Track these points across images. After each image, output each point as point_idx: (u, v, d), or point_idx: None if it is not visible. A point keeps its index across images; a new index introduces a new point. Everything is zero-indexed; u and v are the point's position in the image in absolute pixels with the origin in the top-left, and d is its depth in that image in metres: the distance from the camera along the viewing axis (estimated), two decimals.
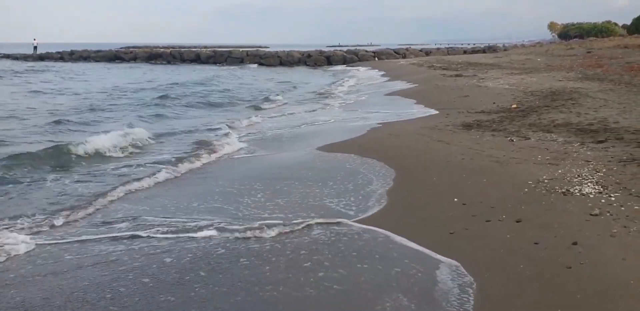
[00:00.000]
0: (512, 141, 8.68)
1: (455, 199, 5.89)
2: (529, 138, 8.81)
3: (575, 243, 4.52)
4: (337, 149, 8.92)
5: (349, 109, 15.33)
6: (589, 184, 6.00)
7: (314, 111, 15.95)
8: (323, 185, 6.87)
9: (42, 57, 61.62)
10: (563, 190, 5.84)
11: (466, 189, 6.24)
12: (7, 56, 63.94)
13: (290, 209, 5.96)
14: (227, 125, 12.86)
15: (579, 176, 6.35)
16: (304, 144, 9.86)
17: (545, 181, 6.22)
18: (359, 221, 5.54)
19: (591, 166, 6.78)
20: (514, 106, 12.71)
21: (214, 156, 9.13)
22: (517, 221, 5.12)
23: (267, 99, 19.97)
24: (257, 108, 17.53)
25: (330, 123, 12.72)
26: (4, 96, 20.82)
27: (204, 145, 10.00)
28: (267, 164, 8.45)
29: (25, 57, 61.78)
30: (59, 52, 63.27)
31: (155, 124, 13.72)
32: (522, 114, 11.35)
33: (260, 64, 50.67)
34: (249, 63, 51.13)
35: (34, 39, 67.37)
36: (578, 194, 5.70)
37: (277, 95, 21.49)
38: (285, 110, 16.77)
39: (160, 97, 19.90)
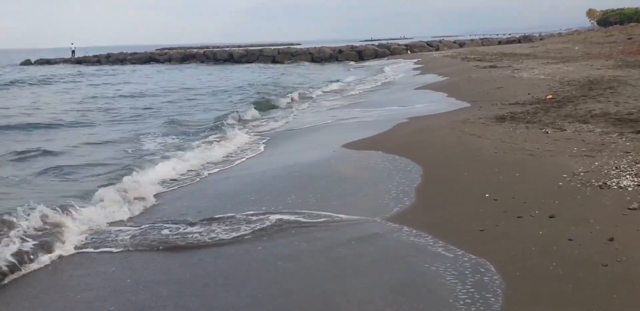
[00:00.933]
0: (547, 133, 8.39)
1: (487, 195, 5.71)
2: (565, 130, 8.50)
3: (611, 239, 4.31)
4: (362, 146, 8.77)
5: (373, 105, 15.12)
6: (628, 176, 5.73)
7: (343, 106, 15.84)
8: (349, 182, 6.78)
9: (79, 61, 62.55)
10: (599, 183, 5.59)
11: (498, 184, 6.04)
12: (48, 61, 64.22)
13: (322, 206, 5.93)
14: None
15: (616, 168, 6.07)
16: (331, 141, 9.76)
17: (581, 174, 5.98)
18: (386, 219, 5.43)
19: (630, 157, 6.48)
20: (550, 96, 12.32)
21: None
22: (551, 217, 4.92)
23: (302, 96, 20.06)
24: (289, 106, 17.50)
25: (355, 119, 12.56)
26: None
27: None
28: (294, 161, 8.41)
29: (64, 61, 62.94)
30: (95, 56, 64.14)
31: None
32: (557, 105, 10.98)
33: (311, 60, 52.01)
34: (300, 61, 52.00)
35: (72, 44, 68.78)
36: (615, 187, 5.45)
37: (314, 90, 21.71)
38: (316, 106, 16.82)
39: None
